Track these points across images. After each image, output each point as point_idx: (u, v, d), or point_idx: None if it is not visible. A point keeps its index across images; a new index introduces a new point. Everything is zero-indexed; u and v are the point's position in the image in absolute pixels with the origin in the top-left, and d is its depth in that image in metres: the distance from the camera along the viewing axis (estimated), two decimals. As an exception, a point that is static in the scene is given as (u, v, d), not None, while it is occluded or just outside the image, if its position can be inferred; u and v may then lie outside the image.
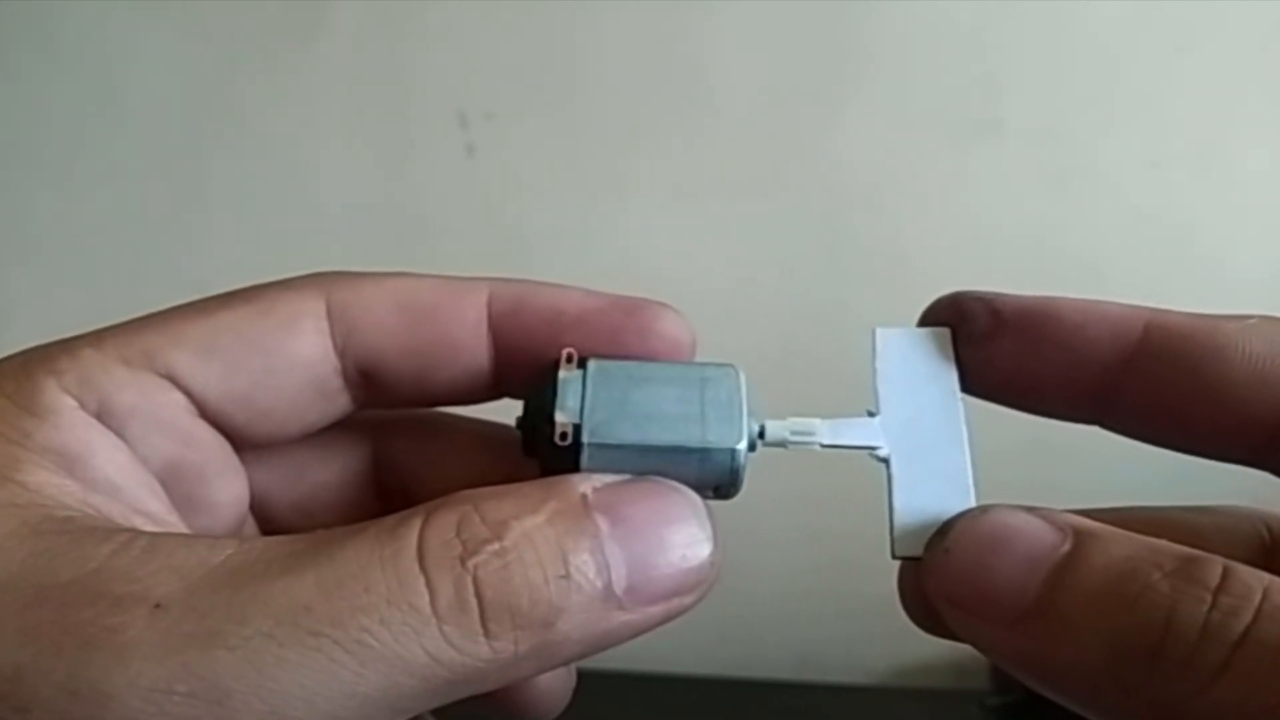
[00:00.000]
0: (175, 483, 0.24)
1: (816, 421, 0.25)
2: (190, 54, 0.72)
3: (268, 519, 0.28)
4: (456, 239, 0.73)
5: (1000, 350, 0.25)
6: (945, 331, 0.26)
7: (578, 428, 0.23)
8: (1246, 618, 0.18)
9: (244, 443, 0.26)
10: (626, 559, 0.21)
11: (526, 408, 0.24)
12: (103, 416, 0.23)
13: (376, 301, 0.25)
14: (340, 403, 0.26)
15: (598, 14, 0.70)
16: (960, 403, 0.26)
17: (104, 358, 0.23)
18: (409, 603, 0.19)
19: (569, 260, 0.72)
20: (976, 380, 0.26)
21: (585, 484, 0.22)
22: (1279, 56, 0.69)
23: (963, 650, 0.23)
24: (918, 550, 0.23)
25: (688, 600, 0.22)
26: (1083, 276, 0.69)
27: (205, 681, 0.18)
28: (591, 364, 0.24)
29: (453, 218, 0.74)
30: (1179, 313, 0.24)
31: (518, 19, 0.70)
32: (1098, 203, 0.71)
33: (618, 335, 0.25)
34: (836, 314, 0.72)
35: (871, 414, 0.26)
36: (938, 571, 0.22)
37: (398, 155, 0.73)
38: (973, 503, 0.24)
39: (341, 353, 0.25)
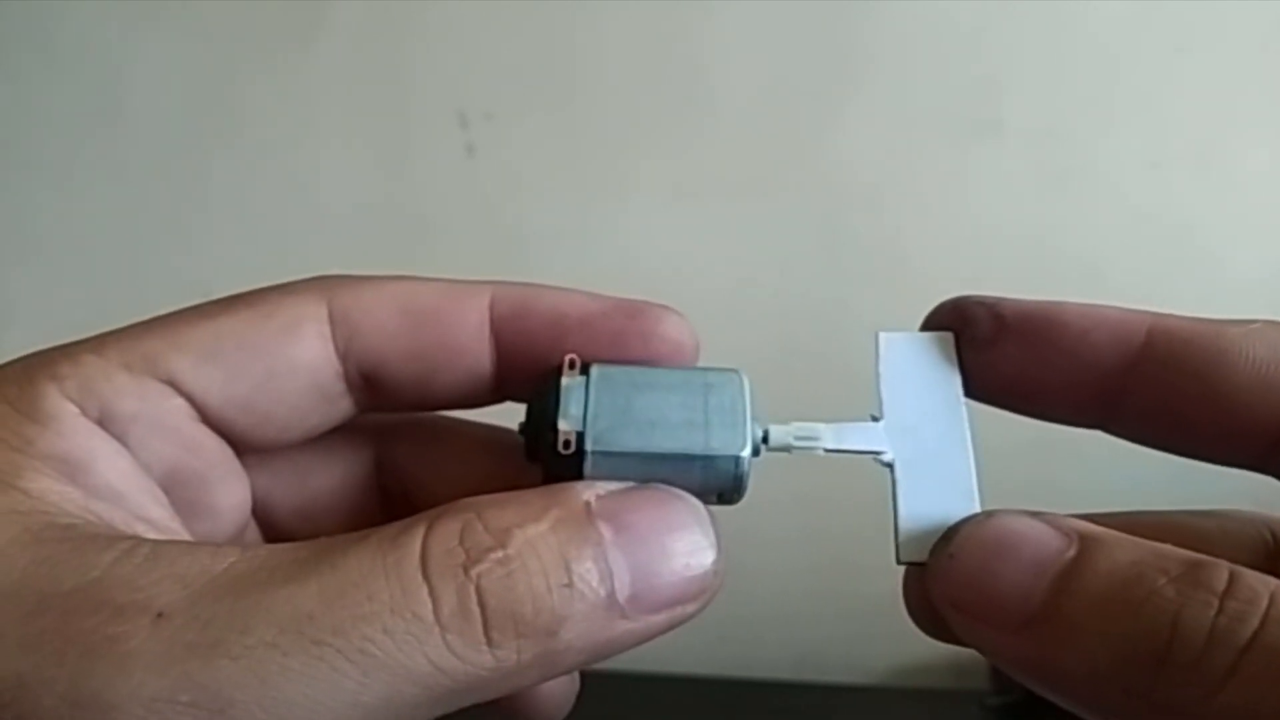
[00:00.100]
0: (177, 488, 0.24)
1: (820, 426, 0.25)
2: (190, 54, 0.72)
3: (270, 523, 0.28)
4: (456, 239, 0.73)
5: (1003, 355, 0.25)
6: (948, 336, 0.26)
7: (581, 435, 0.23)
8: (1253, 623, 0.18)
9: (246, 447, 0.26)
10: (630, 567, 0.21)
11: (529, 414, 0.24)
12: (104, 423, 0.23)
13: (378, 305, 0.25)
14: (342, 407, 0.26)
15: (598, 14, 0.70)
16: (964, 407, 0.25)
17: (105, 363, 0.23)
18: (412, 611, 0.19)
19: (569, 260, 0.72)
20: (979, 385, 0.26)
21: (588, 491, 0.22)
22: (1279, 56, 0.69)
23: (963, 650, 0.23)
24: (922, 556, 0.23)
25: (691, 608, 0.22)
26: (1083, 277, 0.69)
27: (208, 691, 0.18)
28: (594, 370, 0.24)
29: (453, 218, 0.74)
30: (1182, 317, 0.24)
31: (518, 19, 0.70)
32: (1098, 203, 0.71)
33: (620, 339, 0.25)
34: (836, 314, 0.72)
35: (875, 418, 0.25)
36: (942, 577, 0.22)
37: (398, 155, 0.73)
38: (977, 508, 0.24)
39: (343, 357, 0.25)
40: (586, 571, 0.21)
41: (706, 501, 0.23)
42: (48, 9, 0.71)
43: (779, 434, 0.25)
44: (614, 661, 0.22)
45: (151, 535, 0.22)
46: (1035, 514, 0.22)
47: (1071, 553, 0.21)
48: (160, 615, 0.19)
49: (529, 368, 0.25)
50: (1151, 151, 0.71)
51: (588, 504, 0.22)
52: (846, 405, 0.26)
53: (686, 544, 0.22)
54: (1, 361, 0.23)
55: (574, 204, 0.73)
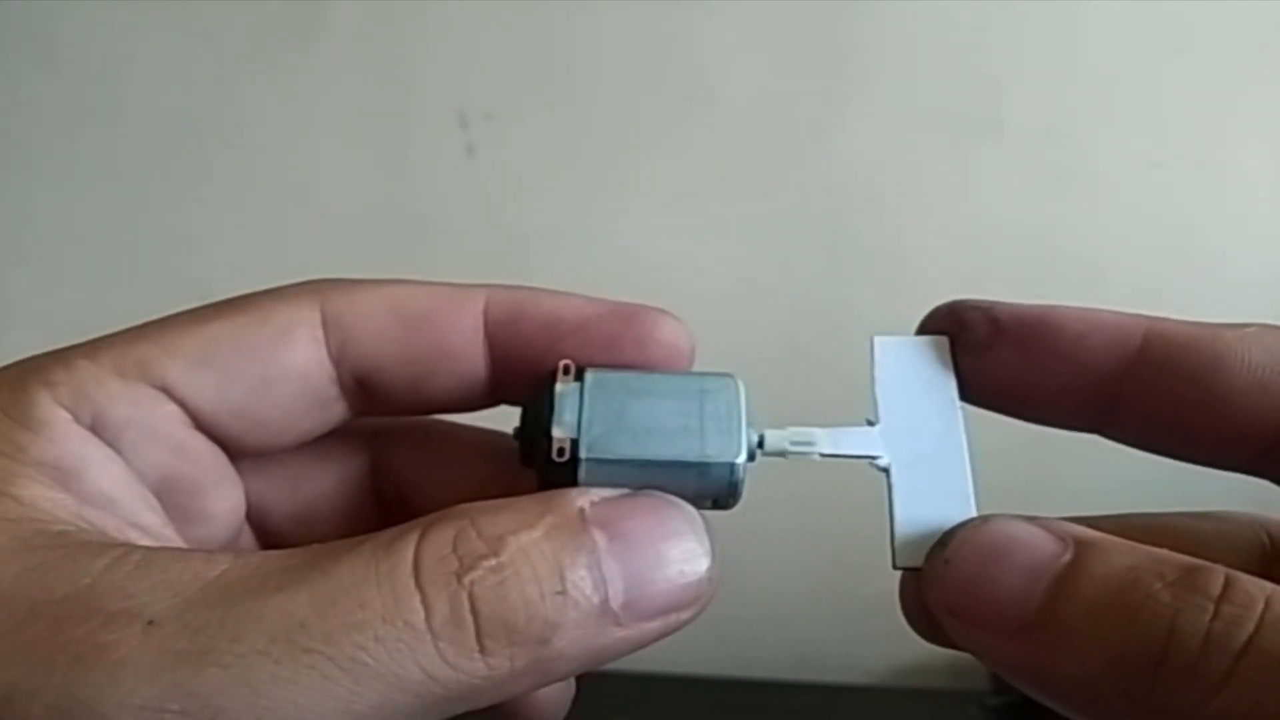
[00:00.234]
0: (170, 494, 0.24)
1: (816, 431, 0.25)
2: (190, 54, 0.72)
3: (265, 528, 0.28)
4: (456, 239, 0.73)
5: (999, 360, 0.25)
6: (944, 340, 0.26)
7: (575, 443, 0.23)
8: (1249, 627, 0.18)
9: (240, 452, 0.26)
10: (624, 574, 0.21)
11: (524, 420, 0.24)
12: (97, 429, 0.23)
13: (372, 309, 0.25)
14: (336, 411, 0.26)
15: (598, 14, 0.70)
16: (959, 411, 0.25)
17: (98, 369, 0.23)
18: (404, 619, 0.19)
19: (569, 261, 0.72)
20: (975, 389, 0.26)
21: (583, 498, 0.22)
22: (1279, 56, 0.69)
23: (961, 652, 0.23)
24: (918, 561, 0.23)
25: (685, 615, 0.22)
26: (1083, 276, 0.69)
27: (198, 700, 0.18)
28: (589, 376, 0.24)
29: (453, 218, 0.74)
30: (1178, 321, 0.24)
31: (518, 19, 0.70)
32: (1098, 203, 0.71)
33: (616, 343, 0.25)
34: (836, 314, 0.72)
35: (871, 423, 0.25)
36: (938, 582, 0.22)
37: (398, 155, 0.73)
38: (973, 513, 0.24)
39: (337, 361, 0.25)
40: (580, 579, 0.20)
41: (701, 507, 0.23)
42: (48, 9, 0.71)
43: (774, 439, 0.25)
44: (613, 662, 0.22)
45: (144, 542, 0.22)
46: (1031, 519, 0.22)
47: (1067, 557, 0.21)
48: (151, 623, 0.18)
49: (524, 372, 0.25)
50: (1151, 151, 0.71)
51: (581, 511, 0.21)
52: (846, 406, 0.26)
53: (681, 551, 0.22)
54: (1, 363, 0.23)
55: (574, 204, 0.73)
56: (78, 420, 0.22)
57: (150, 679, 0.18)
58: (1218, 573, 0.19)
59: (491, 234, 0.73)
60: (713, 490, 0.23)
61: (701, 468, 0.23)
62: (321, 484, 0.29)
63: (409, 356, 0.25)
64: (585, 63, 0.71)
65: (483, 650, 0.20)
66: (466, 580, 0.20)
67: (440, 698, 0.19)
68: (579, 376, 0.24)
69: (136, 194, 0.74)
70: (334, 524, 0.28)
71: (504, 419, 0.26)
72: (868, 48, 0.70)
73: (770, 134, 0.71)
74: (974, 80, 0.70)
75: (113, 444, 0.23)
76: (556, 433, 0.23)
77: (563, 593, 0.20)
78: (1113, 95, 0.70)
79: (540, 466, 0.23)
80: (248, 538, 0.28)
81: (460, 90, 0.72)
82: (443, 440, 0.29)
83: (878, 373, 0.26)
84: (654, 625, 0.21)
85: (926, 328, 0.27)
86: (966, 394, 0.26)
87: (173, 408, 0.24)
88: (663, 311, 0.26)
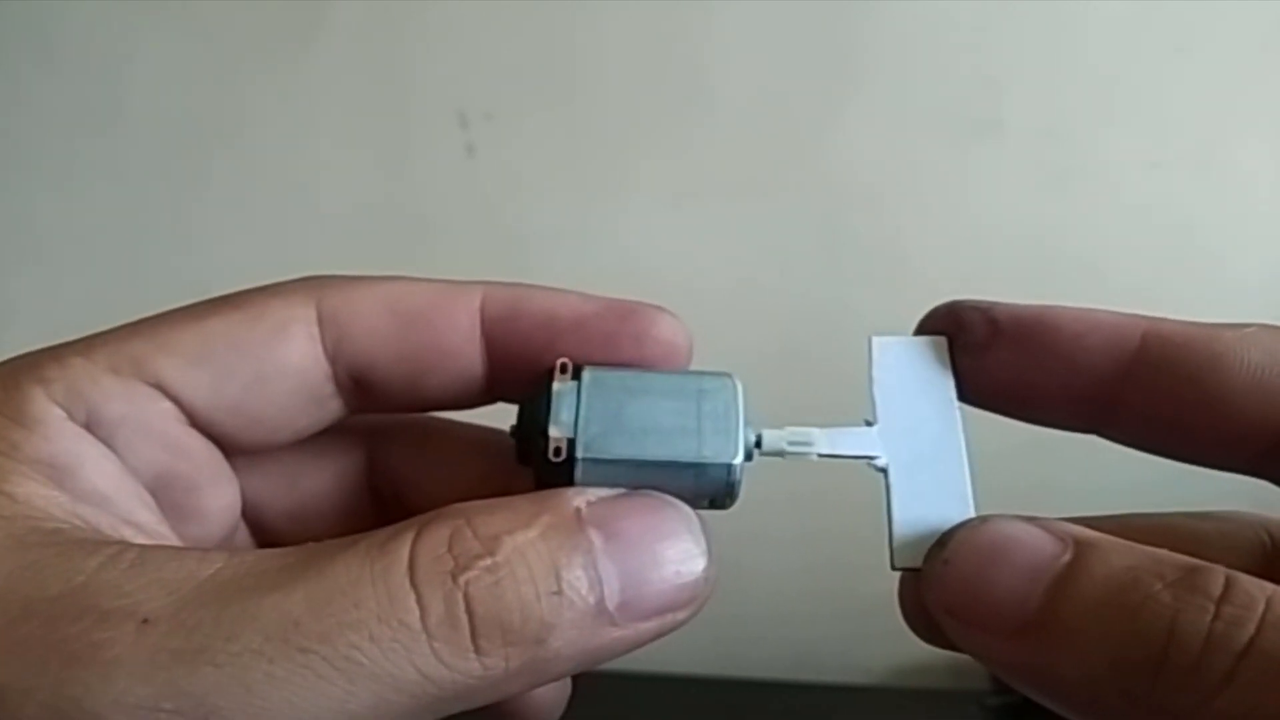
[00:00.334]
0: (165, 492, 0.24)
1: (814, 431, 0.25)
2: (190, 54, 0.72)
3: (260, 526, 0.28)
4: (456, 239, 0.73)
5: (997, 360, 0.25)
6: (942, 340, 0.26)
7: (572, 442, 0.23)
8: (1250, 628, 0.18)
9: (235, 450, 0.26)
10: (620, 574, 0.21)
11: (520, 418, 0.24)
12: (91, 426, 0.23)
13: (368, 306, 0.25)
14: (332, 408, 0.26)
15: (598, 14, 0.70)
16: (958, 412, 0.25)
17: (92, 367, 0.23)
18: (399, 619, 0.19)
19: (568, 261, 0.72)
20: (973, 390, 0.26)
21: (579, 498, 0.22)
22: (1279, 56, 0.69)
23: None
24: (917, 562, 0.23)
25: (681, 616, 0.22)
26: (1083, 276, 0.69)
27: (192, 699, 0.18)
28: (586, 374, 0.24)
29: (453, 218, 0.74)
30: (1176, 321, 0.24)
31: (518, 19, 0.70)
32: (1098, 203, 0.71)
33: (613, 340, 0.25)
34: (836, 314, 0.72)
35: (869, 423, 0.25)
36: (937, 583, 0.22)
37: (398, 155, 0.73)
38: (972, 513, 0.24)
39: (333, 359, 0.25)
40: (576, 579, 0.20)
41: (698, 507, 0.23)
42: (48, 9, 0.71)
43: (772, 439, 0.25)
44: (611, 662, 0.22)
45: (139, 539, 0.22)
46: (1030, 519, 0.22)
47: (1067, 558, 0.21)
48: (145, 621, 0.18)
49: (521, 369, 0.25)
50: (1151, 151, 0.70)
51: (578, 510, 0.21)
52: (846, 406, 0.26)
53: (677, 551, 0.22)
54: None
55: (574, 204, 0.73)
56: (72, 417, 0.22)
57: (144, 678, 0.18)
58: (1218, 573, 0.19)
59: (491, 234, 0.73)
60: (710, 491, 0.23)
61: (698, 468, 0.23)
62: (317, 481, 0.28)
63: (405, 353, 0.25)
64: (585, 63, 0.71)
65: (478, 650, 0.20)
66: (462, 580, 0.20)
67: (435, 698, 0.19)
68: (576, 375, 0.24)
69: (136, 194, 0.74)
70: (330, 521, 0.28)
71: (501, 416, 0.26)
72: (868, 48, 0.70)
73: (770, 134, 0.71)
74: (974, 80, 0.70)
75: (107, 441, 0.23)
76: (553, 432, 0.23)
77: (558, 593, 0.20)
78: (1113, 95, 0.70)
79: (537, 465, 0.23)
80: (243, 535, 0.28)
81: (460, 90, 0.72)
82: (439, 437, 0.29)
83: (876, 373, 0.26)
84: (650, 625, 0.21)
85: (925, 328, 0.27)
86: (965, 394, 0.26)
87: (167, 405, 0.24)
88: (660, 308, 0.26)
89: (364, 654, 0.19)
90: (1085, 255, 0.71)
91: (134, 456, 0.23)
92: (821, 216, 0.72)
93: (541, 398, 0.23)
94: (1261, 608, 0.19)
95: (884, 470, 0.25)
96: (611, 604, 0.21)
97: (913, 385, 0.26)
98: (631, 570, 0.21)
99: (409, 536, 0.20)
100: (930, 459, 0.25)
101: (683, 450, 0.23)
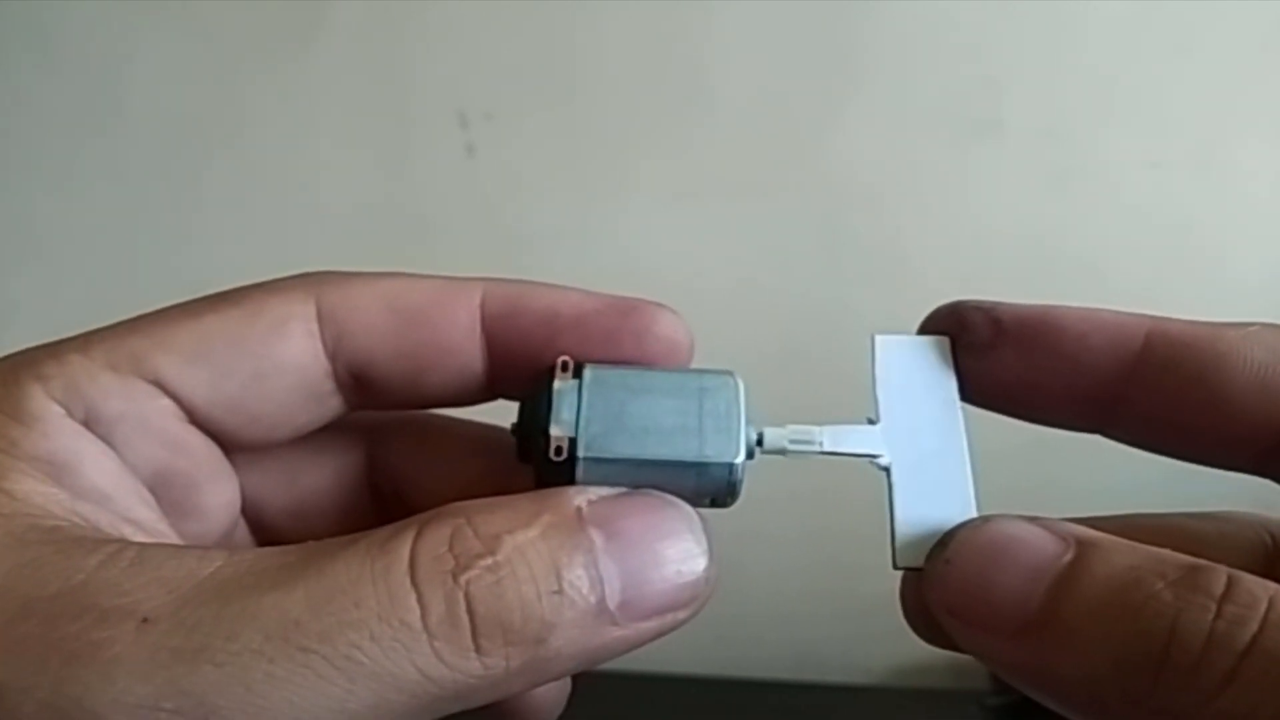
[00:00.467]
0: (165, 489, 0.24)
1: (816, 429, 0.25)
2: (190, 54, 0.72)
3: (260, 523, 0.28)
4: (456, 239, 0.73)
5: (1000, 361, 0.25)
6: (945, 340, 0.26)
7: (573, 441, 0.23)
8: (1253, 627, 0.18)
9: (234, 447, 0.26)
10: (621, 574, 0.21)
11: (521, 417, 0.24)
12: (90, 424, 0.22)
13: (367, 303, 0.25)
14: (331, 405, 0.26)
15: (598, 14, 0.70)
16: (960, 411, 0.25)
17: (91, 364, 0.23)
18: (400, 619, 0.19)
19: (569, 260, 0.72)
20: (976, 390, 0.26)
21: (580, 497, 0.22)
22: (1279, 56, 0.69)
23: (961, 651, 0.23)
24: (919, 561, 0.23)
25: (682, 615, 0.22)
26: (1083, 276, 0.69)
27: (192, 698, 0.18)
28: (587, 373, 0.24)
29: (453, 218, 0.74)
30: (1180, 320, 0.24)
31: (518, 19, 0.70)
32: (1098, 203, 0.71)
33: (614, 337, 0.25)
34: (836, 314, 0.72)
35: (871, 421, 0.25)
36: (939, 583, 0.22)
37: (398, 155, 0.73)
38: (974, 513, 0.24)
39: (332, 355, 0.25)
40: (577, 578, 0.20)
41: (700, 506, 0.23)
42: (47, 9, 0.71)
43: (774, 437, 0.24)
44: (612, 661, 0.22)
45: (139, 537, 0.22)
46: (1032, 519, 0.22)
47: (1068, 557, 0.21)
48: (145, 620, 0.18)
49: (521, 366, 0.25)
50: (1151, 151, 0.70)
51: (579, 510, 0.21)
52: (846, 406, 0.26)
53: (678, 551, 0.22)
54: (-1, 362, 0.23)
55: (574, 204, 0.73)
56: (71, 414, 0.22)
57: (144, 677, 0.18)
58: (1220, 572, 0.19)
59: (491, 234, 0.73)
60: (711, 490, 0.23)
61: (700, 467, 0.23)
62: (317, 478, 0.28)
63: (405, 350, 0.25)
64: (585, 63, 0.71)
65: (478, 650, 0.19)
66: (462, 579, 0.20)
67: (436, 697, 0.19)
68: (577, 373, 0.24)
69: (136, 194, 0.74)
70: (330, 518, 0.28)
71: (501, 413, 0.26)
72: (868, 48, 0.70)
73: (770, 134, 0.71)
74: (974, 80, 0.70)
75: (106, 438, 0.23)
76: (554, 431, 0.23)
77: (559, 592, 0.20)
78: (1113, 95, 0.70)
79: (538, 464, 0.23)
80: (243, 532, 0.28)
81: (460, 90, 0.72)
82: (439, 435, 0.29)
83: (879, 371, 0.26)
84: (651, 625, 0.21)
85: (928, 328, 0.27)
86: (968, 394, 0.26)
87: (166, 402, 0.24)
88: (661, 305, 0.26)
89: (364, 653, 0.19)
90: (1085, 255, 0.71)
91: (133, 453, 0.23)
92: (821, 216, 0.72)
93: (542, 396, 0.23)
94: (1264, 607, 0.19)
95: (887, 469, 0.25)
96: (612, 603, 0.21)
97: (916, 384, 0.26)
98: (633, 570, 0.21)
99: (409, 535, 0.20)
100: (933, 458, 0.25)
101: (684, 449, 0.23)
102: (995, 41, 0.70)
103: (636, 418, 0.23)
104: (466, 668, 0.19)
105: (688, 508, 0.23)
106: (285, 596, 0.19)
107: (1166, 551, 0.20)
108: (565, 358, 0.24)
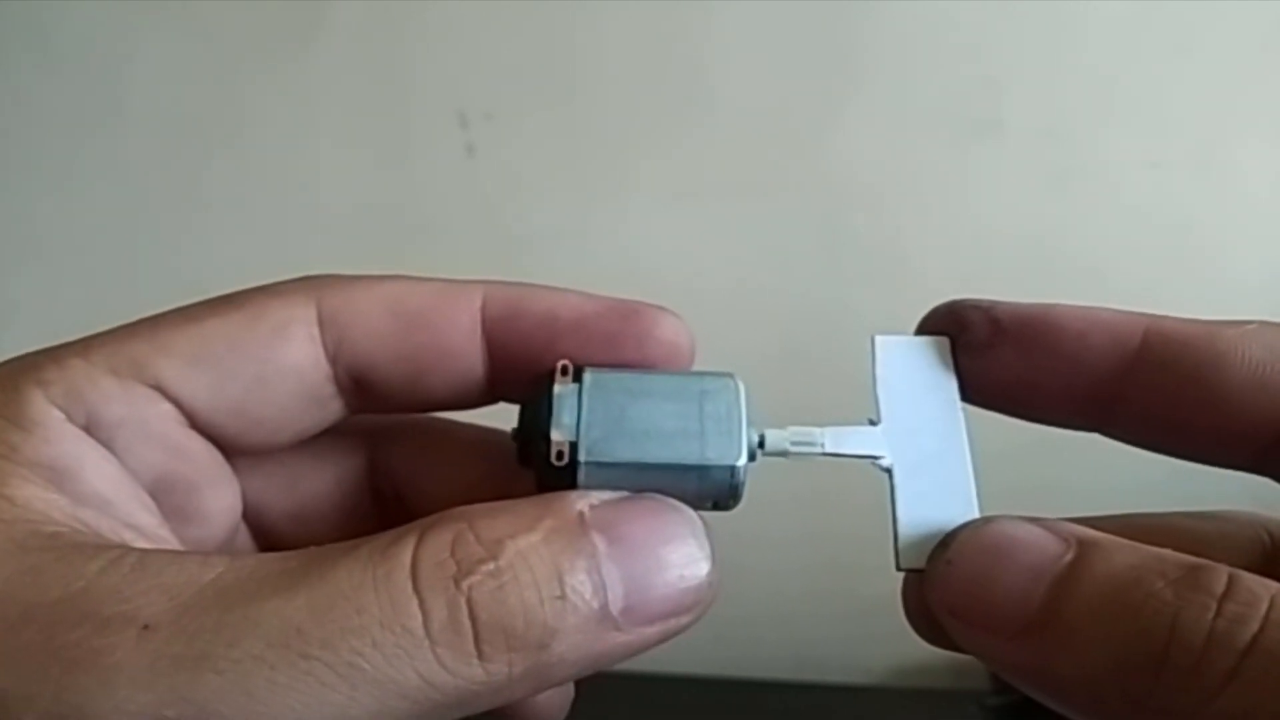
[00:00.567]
0: (166, 494, 0.24)
1: (817, 431, 0.25)
2: (190, 54, 0.72)
3: (262, 527, 0.28)
4: (456, 239, 0.73)
5: (999, 360, 0.25)
6: (944, 340, 0.26)
7: (574, 445, 0.23)
8: (1253, 626, 0.18)
9: (235, 451, 0.25)
10: (623, 579, 0.21)
11: (522, 421, 0.24)
12: (91, 429, 0.22)
13: (368, 307, 0.25)
14: (332, 409, 0.26)
15: (598, 14, 0.70)
16: (961, 412, 0.25)
17: (92, 368, 0.23)
18: (401, 625, 0.19)
19: (569, 260, 0.72)
20: (976, 389, 0.26)
21: (582, 501, 0.22)
22: (1279, 56, 0.69)
23: (962, 651, 0.23)
24: (921, 562, 0.23)
25: (685, 620, 0.22)
26: (1083, 276, 0.69)
27: (193, 706, 0.18)
28: (588, 376, 0.24)
29: (453, 218, 0.74)
30: (1178, 319, 0.24)
31: (518, 19, 0.70)
32: (1098, 203, 0.71)
33: (615, 340, 0.25)
34: (836, 314, 0.71)
35: (872, 422, 0.25)
36: (940, 583, 0.22)
37: (398, 155, 0.73)
38: (976, 513, 0.24)
39: (333, 359, 0.25)
40: (579, 583, 0.20)
41: (702, 509, 0.23)
42: (47, 9, 0.71)
43: (775, 439, 0.24)
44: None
45: (140, 543, 0.22)
46: (1033, 519, 0.22)
47: (1069, 557, 0.21)
48: (146, 627, 0.18)
49: (522, 369, 0.25)
50: (1151, 151, 0.70)
51: (581, 514, 0.21)
52: (846, 406, 0.26)
53: (681, 555, 0.22)
54: (-1, 362, 0.23)
55: (574, 204, 0.73)
56: (71, 420, 0.22)
57: (146, 684, 0.18)
58: (1220, 571, 0.19)
59: (491, 234, 0.73)
60: (713, 493, 0.23)
61: (701, 471, 0.23)
62: (319, 482, 0.28)
63: (405, 354, 0.25)
64: (585, 63, 0.71)
65: (481, 656, 0.19)
66: (465, 585, 0.20)
67: (438, 703, 0.19)
68: (577, 377, 0.24)
69: (136, 194, 0.74)
70: (331, 522, 0.28)
71: (502, 416, 0.26)
72: (868, 48, 0.70)
73: (770, 134, 0.71)
74: (974, 80, 0.70)
75: (107, 444, 0.23)
76: (555, 435, 0.23)
77: (562, 597, 0.20)
78: (1113, 95, 0.70)
79: (539, 469, 0.23)
80: (244, 537, 0.28)
81: (460, 90, 0.72)
82: (440, 438, 0.29)
83: (879, 372, 0.26)
84: (654, 630, 0.21)
85: (926, 328, 0.27)
86: (967, 394, 0.26)
87: (167, 406, 0.23)
88: (662, 308, 0.26)
89: (366, 660, 0.19)
90: (1085, 255, 0.71)
91: (134, 458, 0.23)
92: (821, 216, 0.72)
93: (543, 400, 0.23)
94: (1265, 606, 0.19)
95: (889, 470, 0.25)
96: (615, 608, 0.21)
97: (916, 385, 0.26)
98: (635, 574, 0.21)
99: (411, 541, 0.20)
100: (934, 459, 0.25)
101: (686, 452, 0.23)
102: (995, 41, 0.70)
103: (637, 421, 0.23)
104: (469, 674, 0.19)
105: (690, 511, 0.23)
106: (287, 603, 0.19)
107: (1167, 551, 0.20)
108: (565, 361, 0.24)
